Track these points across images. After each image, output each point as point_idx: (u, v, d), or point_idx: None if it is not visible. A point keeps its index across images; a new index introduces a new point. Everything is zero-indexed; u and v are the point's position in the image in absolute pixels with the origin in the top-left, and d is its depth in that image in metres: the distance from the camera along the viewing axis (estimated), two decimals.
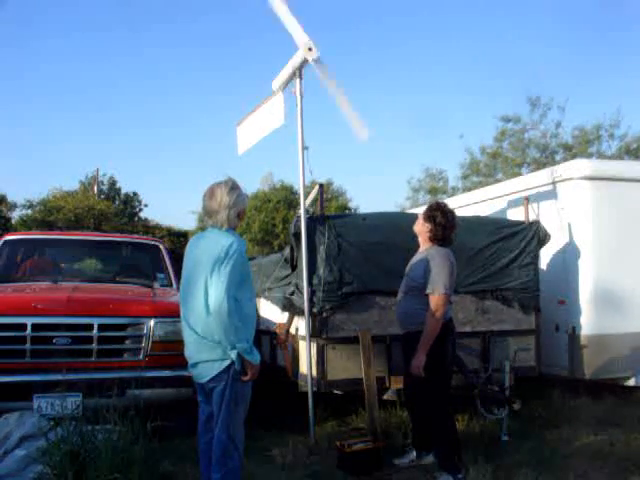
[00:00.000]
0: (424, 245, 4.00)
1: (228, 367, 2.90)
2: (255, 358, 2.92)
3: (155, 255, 6.13)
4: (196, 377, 3.07)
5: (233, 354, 2.85)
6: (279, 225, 23.89)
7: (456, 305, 4.68)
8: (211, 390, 2.99)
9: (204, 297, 2.87)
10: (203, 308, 2.87)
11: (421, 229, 3.98)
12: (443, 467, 3.85)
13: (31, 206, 22.48)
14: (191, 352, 3.05)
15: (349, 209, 26.15)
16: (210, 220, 3.04)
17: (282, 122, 4.76)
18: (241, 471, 3.07)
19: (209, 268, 2.84)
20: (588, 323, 5.56)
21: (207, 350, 2.93)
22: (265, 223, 24.00)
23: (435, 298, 3.76)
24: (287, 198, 24.94)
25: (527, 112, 21.54)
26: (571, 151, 20.27)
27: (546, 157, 20.65)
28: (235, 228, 3.08)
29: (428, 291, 3.79)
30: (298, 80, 4.74)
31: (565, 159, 18.81)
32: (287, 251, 5.15)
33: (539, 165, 19.23)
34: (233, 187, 3.03)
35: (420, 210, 4.26)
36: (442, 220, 3.88)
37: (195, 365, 3.04)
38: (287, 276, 5.22)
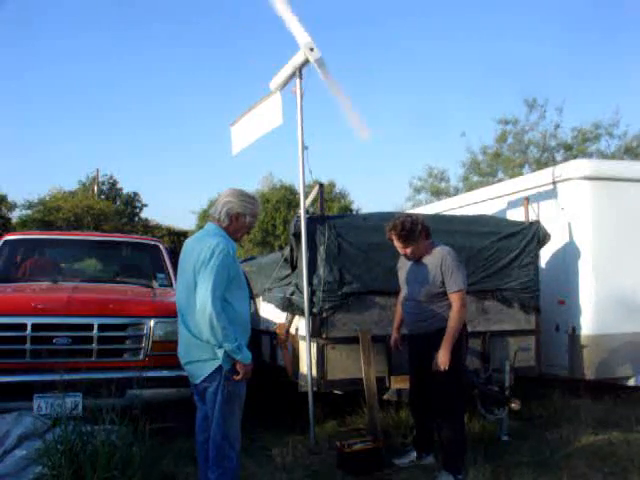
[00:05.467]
0: (422, 253, 3.98)
1: (220, 367, 2.93)
2: (245, 357, 2.93)
3: (155, 255, 6.12)
4: (190, 377, 3.09)
5: (220, 353, 2.89)
6: (280, 226, 23.83)
7: None
8: (204, 390, 3.00)
9: (194, 296, 2.91)
10: (194, 307, 2.90)
11: (414, 249, 3.93)
12: (446, 466, 3.85)
13: (30, 206, 22.49)
14: (183, 351, 3.09)
15: (351, 210, 26.10)
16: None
17: (280, 122, 4.76)
18: (238, 471, 3.07)
19: (197, 268, 2.91)
20: (588, 323, 5.56)
21: (198, 349, 2.97)
22: (265, 224, 23.94)
23: (458, 295, 3.82)
24: (286, 198, 24.88)
25: (525, 113, 21.57)
26: (571, 150, 20.27)
27: (547, 157, 20.64)
28: (228, 228, 3.10)
29: (452, 290, 3.82)
30: (298, 80, 4.74)
31: (565, 159, 18.81)
32: (287, 251, 5.15)
33: (540, 165, 19.23)
34: (241, 194, 3.15)
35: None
36: (411, 230, 3.86)
37: (187, 364, 3.07)
38: (287, 276, 5.22)
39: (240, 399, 3.05)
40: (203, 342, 2.92)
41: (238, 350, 2.89)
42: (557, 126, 20.73)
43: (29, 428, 3.62)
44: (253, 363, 3.02)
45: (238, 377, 2.95)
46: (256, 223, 3.26)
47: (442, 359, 3.72)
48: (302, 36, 4.48)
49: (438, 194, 22.78)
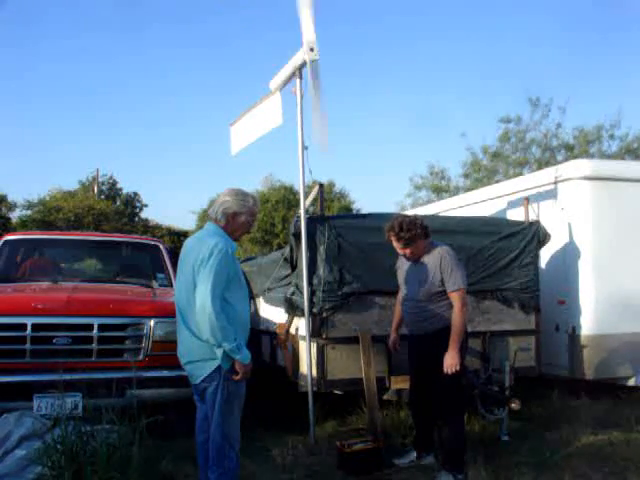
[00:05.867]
0: (422, 253, 3.97)
1: (219, 367, 2.94)
2: (244, 357, 2.93)
3: (155, 255, 6.12)
4: (189, 377, 3.09)
5: (219, 353, 2.89)
6: (278, 225, 23.81)
7: None
8: (204, 390, 3.01)
9: (194, 296, 2.91)
10: (194, 307, 2.91)
11: (413, 249, 3.93)
12: (446, 466, 3.85)
13: (30, 206, 22.49)
14: (183, 351, 3.10)
15: (352, 210, 26.06)
16: None
17: (280, 122, 4.74)
18: (238, 471, 3.07)
19: (196, 268, 2.92)
20: (588, 323, 5.56)
21: (198, 349, 2.97)
22: (264, 223, 23.92)
23: (458, 294, 3.81)
24: (285, 197, 24.86)
25: (528, 112, 21.50)
26: (572, 151, 20.23)
27: (548, 157, 20.60)
28: (227, 228, 3.11)
29: (452, 289, 3.81)
30: (298, 80, 4.73)
31: (567, 159, 18.77)
32: (287, 251, 5.14)
33: (541, 165, 19.19)
34: (238, 193, 3.16)
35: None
36: (410, 231, 3.85)
37: (187, 364, 3.08)
38: (287, 276, 5.22)
39: (240, 399, 3.05)
40: (203, 342, 2.92)
41: (237, 350, 2.89)
42: (559, 125, 20.68)
43: (30, 429, 3.62)
44: (253, 363, 3.02)
45: (237, 377, 2.95)
46: (255, 222, 3.23)
47: (451, 361, 3.70)
48: (308, 33, 4.43)
49: (439, 191, 22.71)
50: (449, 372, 3.70)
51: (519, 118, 21.02)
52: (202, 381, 3.00)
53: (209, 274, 2.86)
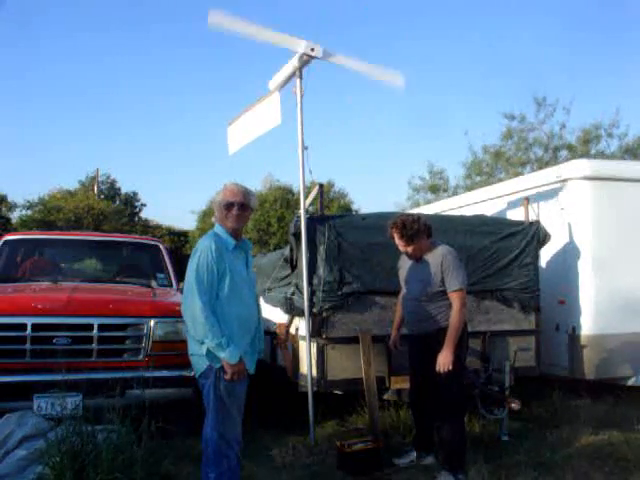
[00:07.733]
0: (423, 252, 3.98)
1: (212, 365, 2.94)
2: (229, 356, 2.88)
3: (155, 255, 6.12)
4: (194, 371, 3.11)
5: (203, 349, 2.91)
6: (274, 224, 23.70)
7: None
8: (202, 387, 3.02)
9: None
10: None
11: (415, 248, 3.94)
12: (446, 466, 3.85)
13: (31, 206, 22.50)
14: (189, 343, 3.11)
15: (351, 210, 26.02)
16: None
17: (278, 122, 4.74)
18: (238, 470, 3.06)
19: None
20: (588, 323, 5.55)
21: (194, 343, 3.00)
22: (260, 222, 23.83)
23: (458, 294, 3.82)
24: (284, 197, 24.78)
25: (532, 112, 21.40)
26: (573, 151, 20.19)
27: (550, 157, 20.55)
28: (224, 221, 3.12)
29: (452, 289, 3.82)
30: (298, 80, 4.73)
31: (568, 159, 18.72)
32: (287, 251, 5.14)
33: (542, 165, 19.15)
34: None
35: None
36: (413, 229, 3.86)
37: (190, 356, 3.09)
38: (287, 276, 5.22)
39: (237, 399, 3.01)
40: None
41: (219, 347, 2.85)
42: (563, 126, 20.60)
43: (32, 429, 3.62)
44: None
45: (226, 376, 2.92)
46: (229, 204, 3.15)
47: (444, 360, 3.71)
48: (296, 44, 4.51)
49: (436, 191, 22.63)
50: (442, 371, 3.71)
51: (523, 117, 20.92)
52: (199, 377, 3.01)
53: (191, 271, 2.94)
